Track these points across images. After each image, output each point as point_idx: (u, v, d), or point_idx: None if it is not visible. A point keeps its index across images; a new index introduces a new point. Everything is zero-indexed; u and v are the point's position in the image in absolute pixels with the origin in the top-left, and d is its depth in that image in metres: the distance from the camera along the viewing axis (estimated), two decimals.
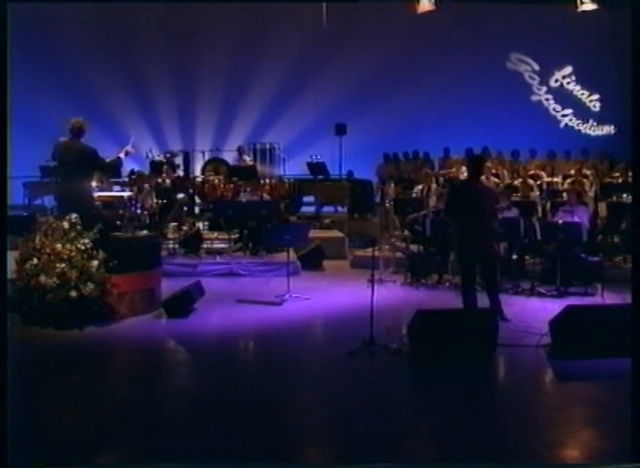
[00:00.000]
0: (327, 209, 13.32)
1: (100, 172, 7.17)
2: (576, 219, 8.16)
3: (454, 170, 12.62)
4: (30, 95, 13.20)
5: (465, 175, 12.15)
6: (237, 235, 10.05)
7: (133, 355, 5.74)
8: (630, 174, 9.19)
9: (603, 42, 14.43)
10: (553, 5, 13.78)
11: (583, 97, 15.66)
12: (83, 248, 6.37)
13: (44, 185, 11.97)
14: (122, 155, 7.18)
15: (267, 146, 14.74)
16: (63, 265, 6.24)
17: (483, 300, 6.45)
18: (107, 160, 7.17)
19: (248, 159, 13.31)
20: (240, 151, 13.25)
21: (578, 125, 15.70)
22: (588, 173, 12.06)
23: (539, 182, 11.58)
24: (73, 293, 6.20)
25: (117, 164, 7.29)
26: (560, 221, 8.17)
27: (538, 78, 15.79)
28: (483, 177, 8.82)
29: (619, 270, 8.45)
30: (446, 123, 14.63)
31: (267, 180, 11.93)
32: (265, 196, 10.93)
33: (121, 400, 4.59)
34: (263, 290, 8.04)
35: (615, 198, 9.87)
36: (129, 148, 7.25)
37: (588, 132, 15.66)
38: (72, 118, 6.93)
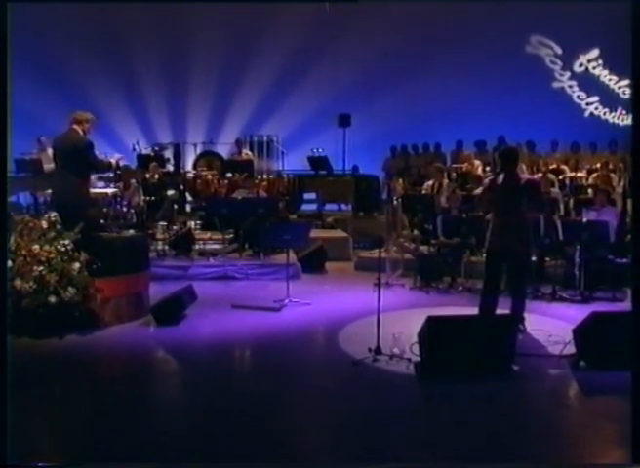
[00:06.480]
0: (329, 206, 13.34)
1: (90, 168, 7.15)
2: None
3: (467, 164, 12.61)
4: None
5: (480, 170, 12.23)
6: (232, 235, 10.07)
7: (118, 366, 5.73)
8: None
9: (633, 22, 14.34)
10: None
11: (611, 83, 15.53)
12: (63, 249, 6.36)
13: (19, 180, 11.93)
14: (113, 161, 7.24)
15: (265, 139, 14.76)
16: (41, 268, 6.23)
17: (500, 306, 6.43)
18: (100, 159, 7.20)
19: (246, 152, 13.23)
20: (238, 144, 13.18)
21: (604, 114, 15.61)
22: (616, 166, 12.01)
23: (561, 177, 11.57)
24: (52, 299, 6.18)
25: (107, 168, 7.37)
26: (584, 220, 8.15)
27: (560, 63, 15.72)
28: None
29: None
30: (459, 113, 14.56)
31: (265, 176, 11.93)
32: (263, 193, 10.93)
33: (104, 414, 4.56)
34: (261, 294, 8.07)
35: None
36: (120, 159, 7.36)
37: (616, 121, 15.53)
38: (77, 111, 6.98)
